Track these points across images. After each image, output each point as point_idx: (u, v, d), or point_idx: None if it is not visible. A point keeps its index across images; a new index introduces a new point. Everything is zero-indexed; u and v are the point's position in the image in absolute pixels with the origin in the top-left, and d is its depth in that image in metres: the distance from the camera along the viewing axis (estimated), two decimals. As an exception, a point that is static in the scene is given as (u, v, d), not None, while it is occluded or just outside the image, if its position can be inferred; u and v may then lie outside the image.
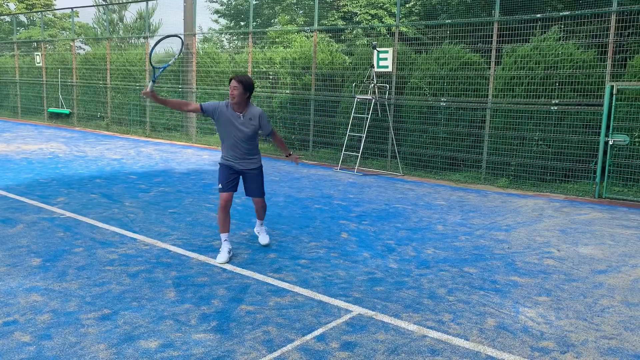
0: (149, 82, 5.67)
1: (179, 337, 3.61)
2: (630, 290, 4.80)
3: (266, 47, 14.68)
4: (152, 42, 16.95)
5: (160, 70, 5.35)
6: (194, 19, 15.75)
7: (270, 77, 14.04)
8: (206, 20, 42.09)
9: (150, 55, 5.61)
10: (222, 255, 5.22)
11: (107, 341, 3.52)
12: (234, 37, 19.90)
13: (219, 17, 25.37)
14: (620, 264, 5.54)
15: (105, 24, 21.78)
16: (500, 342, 3.69)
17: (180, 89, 15.92)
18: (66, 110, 19.49)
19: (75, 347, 3.43)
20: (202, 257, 5.31)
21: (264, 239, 5.81)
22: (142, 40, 17.64)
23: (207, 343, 3.55)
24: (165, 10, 24.69)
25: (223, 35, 22.70)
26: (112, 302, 4.14)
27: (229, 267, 5.05)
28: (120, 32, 23.89)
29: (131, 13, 24.83)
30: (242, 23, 24.18)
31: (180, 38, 5.78)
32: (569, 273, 5.22)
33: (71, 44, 19.97)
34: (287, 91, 13.51)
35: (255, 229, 6.04)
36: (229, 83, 5.12)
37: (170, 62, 5.66)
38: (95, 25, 24.91)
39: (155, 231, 6.18)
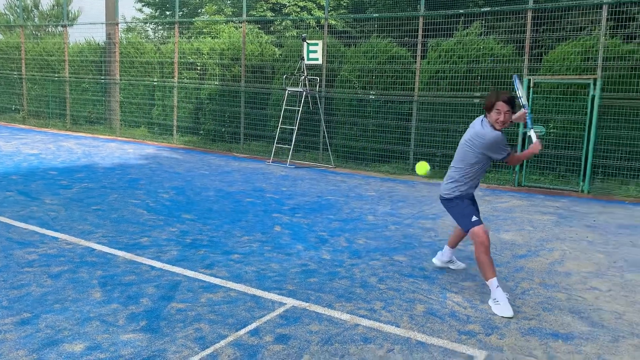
0: (530, 132, 4.54)
1: (107, 339, 3.48)
2: (548, 272, 5.09)
3: (193, 38, 14.33)
4: (71, 30, 16.12)
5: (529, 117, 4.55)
6: (116, 8, 15.10)
7: (198, 68, 13.73)
8: (129, 9, 40.59)
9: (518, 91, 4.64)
10: (507, 307, 4.09)
11: (28, 347, 3.33)
12: (160, 27, 19.29)
13: (143, 5, 24.49)
14: (539, 249, 5.87)
15: (18, 10, 20.47)
16: (429, 328, 3.82)
17: (102, 80, 15.26)
18: (-24, 103, 18.19)
19: (-9, 355, 3.23)
20: (129, 255, 5.13)
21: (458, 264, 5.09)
22: (60, 28, 16.72)
23: (136, 343, 3.44)
24: (84, -3, 23.53)
25: (148, 25, 21.94)
26: (32, 305, 3.92)
27: (158, 264, 4.91)
28: (36, 19, 22.54)
29: (47, -1, 23.49)
30: (167, 12, 23.46)
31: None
32: (492, 258, 5.46)
33: (-20, 31, 18.61)
34: (216, 83, 13.27)
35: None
36: (493, 104, 4.28)
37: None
38: (7, 12, 23.37)
39: (78, 229, 5.90)
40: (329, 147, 11.58)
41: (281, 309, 4.04)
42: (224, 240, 5.75)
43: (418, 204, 7.95)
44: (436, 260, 5.09)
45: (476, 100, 10.03)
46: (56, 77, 16.17)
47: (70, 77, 15.91)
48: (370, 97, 11.07)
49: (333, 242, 5.85)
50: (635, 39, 9.39)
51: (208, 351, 3.37)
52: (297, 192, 8.45)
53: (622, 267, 5.29)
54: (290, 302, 4.18)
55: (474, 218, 4.37)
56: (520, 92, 4.69)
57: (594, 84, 8.90)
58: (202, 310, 3.96)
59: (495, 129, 4.31)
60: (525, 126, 4.09)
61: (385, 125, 11.01)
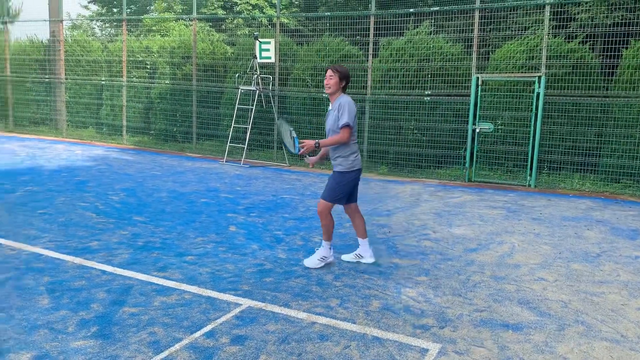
0: (294, 151, 4.95)
1: (56, 347, 3.36)
2: (498, 265, 5.25)
3: (142, 36, 14.01)
4: (11, 27, 15.45)
5: (296, 140, 4.92)
6: (60, 4, 14.59)
7: (148, 67, 13.43)
8: (75, 6, 39.24)
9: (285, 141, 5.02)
10: (311, 260, 5.05)
11: (-30, 359, 3.18)
12: (107, 25, 18.78)
13: (89, 2, 23.78)
14: (489, 242, 6.04)
15: (-46, 6, 19.49)
16: (385, 323, 3.87)
17: (47, 80, 14.72)
18: None
19: None
20: (78, 260, 4.97)
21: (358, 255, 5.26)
22: (0, 25, 16.01)
23: (87, 350, 3.34)
24: (26, -7, 22.62)
25: (94, 22, 21.31)
26: (-26, 316, 3.74)
27: (109, 268, 4.78)
28: (-27, 15, 21.51)
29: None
30: (115, 10, 22.85)
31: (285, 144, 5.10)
32: (445, 253, 5.59)
33: None
34: (167, 81, 13.02)
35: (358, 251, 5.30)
36: (325, 73, 4.95)
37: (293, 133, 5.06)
38: (-59, 8, 22.23)
39: (23, 234, 5.67)
40: (283, 146, 11.55)
41: (237, 310, 4.00)
42: (177, 242, 5.66)
43: (372, 201, 8.04)
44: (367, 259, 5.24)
45: (427, 98, 10.22)
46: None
47: (12, 76, 15.26)
48: (324, 95, 11.11)
49: (289, 240, 5.85)
50: (575, 38, 9.78)
51: (163, 355, 3.31)
52: (252, 192, 8.39)
53: (568, 257, 5.51)
54: (246, 302, 4.15)
55: None
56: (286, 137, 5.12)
57: (539, 82, 9.22)
58: (155, 314, 3.88)
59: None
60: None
61: (338, 123, 11.06)
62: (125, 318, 3.80)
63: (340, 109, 4.77)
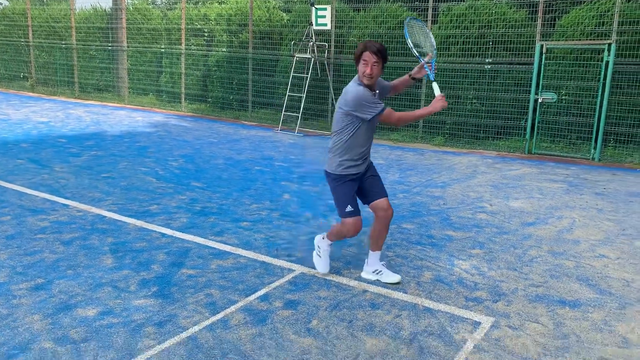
0: (433, 85, 3.98)
1: (119, 304, 3.54)
2: (556, 240, 5.09)
3: (200, 3, 14.14)
4: (77, -4, 15.95)
5: (433, 64, 4.03)
6: (121, -27, 14.89)
7: (205, 34, 13.58)
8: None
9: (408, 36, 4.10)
10: (321, 263, 4.17)
11: (42, 311, 3.40)
12: (166, -7, 19.04)
13: (149, -30, 24.12)
14: (548, 216, 5.86)
15: (23, -24, 20.26)
16: (436, 294, 3.85)
17: (110, 48, 15.16)
18: (-15, 70, 18.20)
19: (7, 319, 3.30)
20: (139, 222, 5.18)
21: (390, 276, 4.06)
22: (65, -6, 16.56)
23: (147, 308, 3.50)
24: (90, -37, 23.24)
25: (154, -9, 21.62)
26: (46, 271, 3.99)
27: (168, 231, 4.96)
28: (41, -15, 22.29)
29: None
30: (174, -23, 23.10)
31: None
32: (501, 226, 5.47)
33: (-14, -3, 18.49)
34: (224, 49, 13.14)
35: (366, 268, 4.15)
36: (359, 56, 3.77)
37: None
38: (12, -22, 23.13)
39: (88, 197, 5.96)
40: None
41: (290, 276, 4.08)
42: (233, 208, 5.79)
43: (427, 172, 7.93)
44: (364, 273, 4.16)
45: (487, 67, 9.87)
46: (63, 44, 16.08)
47: (77, 45, 15.82)
48: (380, 63, 10.92)
49: (341, 209, 5.87)
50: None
51: (219, 316, 3.43)
52: (306, 160, 8.44)
53: (632, 234, 5.28)
54: (299, 268, 4.23)
55: (349, 208, 3.89)
56: (412, 40, 4.13)
57: (609, 49, 8.72)
58: (212, 277, 4.02)
59: (363, 84, 3.78)
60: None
61: (394, 92, 10.89)
62: (184, 279, 3.95)
63: (384, 87, 4.07)
